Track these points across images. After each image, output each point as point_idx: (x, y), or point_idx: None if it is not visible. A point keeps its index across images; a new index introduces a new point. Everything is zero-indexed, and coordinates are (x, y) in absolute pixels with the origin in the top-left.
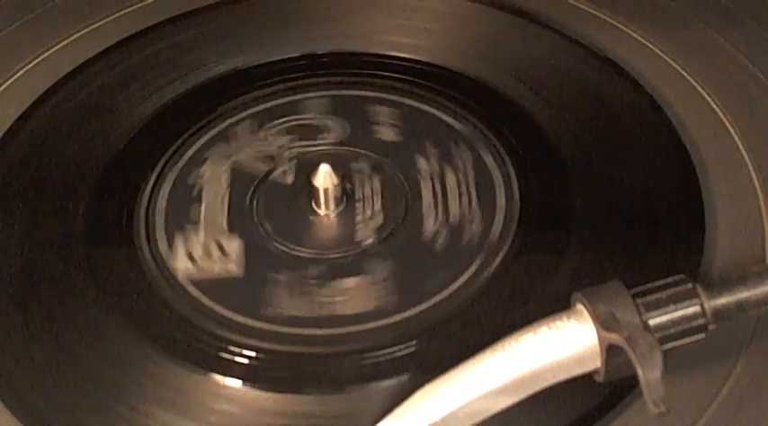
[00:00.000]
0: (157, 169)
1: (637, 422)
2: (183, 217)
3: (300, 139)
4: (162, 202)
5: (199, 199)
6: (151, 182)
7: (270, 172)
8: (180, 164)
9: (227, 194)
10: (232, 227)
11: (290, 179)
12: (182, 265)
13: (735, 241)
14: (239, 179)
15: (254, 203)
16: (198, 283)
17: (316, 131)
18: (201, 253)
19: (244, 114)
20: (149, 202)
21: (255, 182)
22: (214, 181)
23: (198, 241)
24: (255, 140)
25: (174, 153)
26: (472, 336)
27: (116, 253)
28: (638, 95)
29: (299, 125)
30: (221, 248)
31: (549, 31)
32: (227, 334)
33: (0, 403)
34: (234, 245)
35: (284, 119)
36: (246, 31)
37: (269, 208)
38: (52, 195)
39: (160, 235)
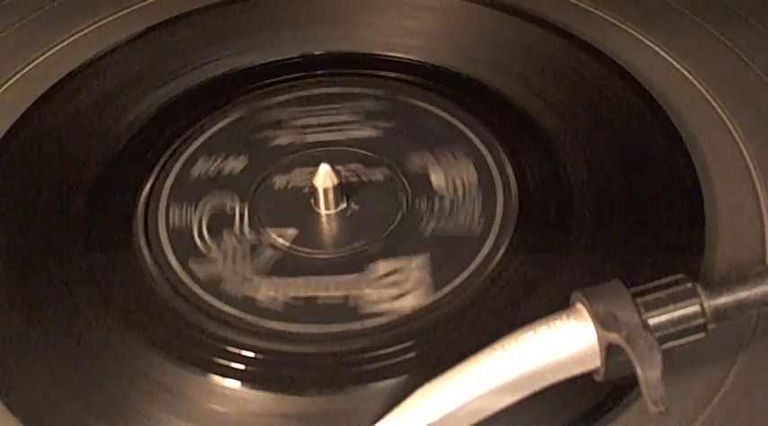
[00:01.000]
0: (157, 169)
1: (637, 422)
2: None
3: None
4: (162, 202)
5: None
6: (150, 182)
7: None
8: (179, 164)
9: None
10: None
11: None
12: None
13: (735, 241)
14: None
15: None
16: (198, 283)
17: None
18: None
19: (243, 114)
20: (148, 202)
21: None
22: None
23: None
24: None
25: (174, 153)
26: (472, 336)
27: (115, 254)
28: (638, 95)
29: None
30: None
31: (549, 31)
32: (226, 335)
33: (0, 403)
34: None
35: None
36: (246, 31)
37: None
38: (52, 195)
39: (160, 235)
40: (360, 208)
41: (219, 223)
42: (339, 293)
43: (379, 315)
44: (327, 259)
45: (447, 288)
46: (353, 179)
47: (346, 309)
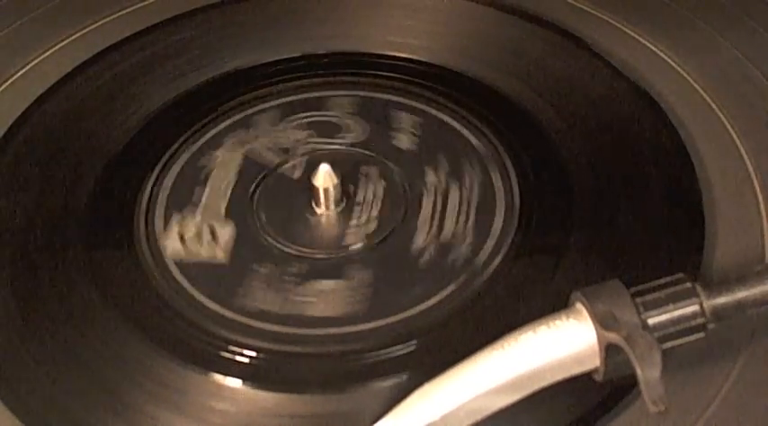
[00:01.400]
0: (157, 169)
1: (637, 422)
2: (183, 213)
3: (318, 136)
4: (162, 202)
5: (204, 184)
6: (151, 182)
7: (280, 164)
8: (179, 164)
9: (234, 181)
10: (229, 214)
11: (297, 174)
12: (171, 245)
13: (735, 241)
14: (249, 167)
15: (257, 193)
16: (198, 284)
17: (335, 130)
18: (193, 235)
19: (244, 115)
20: (149, 202)
21: (264, 173)
22: (224, 167)
23: (192, 222)
24: (255, 140)
25: (174, 153)
26: (472, 336)
27: (116, 253)
28: (638, 95)
29: (319, 121)
30: (213, 233)
31: (549, 32)
32: (227, 334)
33: (0, 403)
34: (226, 232)
35: (284, 118)
36: (246, 31)
37: (270, 199)
38: (52, 194)
39: (160, 234)
40: (358, 207)
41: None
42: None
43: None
44: (327, 259)
45: (448, 289)
46: (359, 182)
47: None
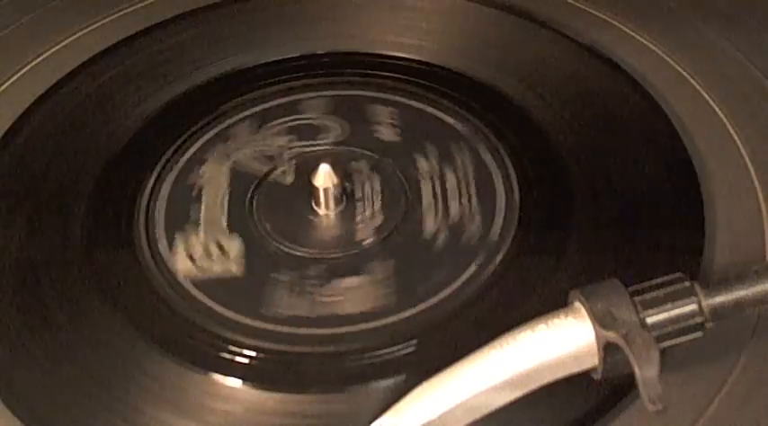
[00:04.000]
0: (157, 169)
1: (637, 422)
2: (182, 217)
3: (300, 139)
4: (162, 202)
5: (199, 198)
6: (151, 182)
7: (270, 171)
8: (180, 165)
9: (227, 194)
10: (232, 227)
11: (289, 179)
12: (182, 265)
13: (735, 241)
14: (239, 179)
15: (254, 203)
16: (198, 283)
17: (316, 131)
18: (201, 253)
19: (243, 114)
20: (149, 202)
21: (255, 182)
22: (214, 181)
23: (198, 241)
24: (255, 140)
25: (174, 153)
26: (472, 336)
27: (116, 254)
28: (638, 95)
29: (298, 125)
30: (221, 248)
31: (549, 31)
32: (227, 334)
33: (0, 403)
34: (234, 245)
35: (284, 119)
36: (246, 31)
37: (269, 208)
38: (52, 195)
39: (160, 235)
40: (359, 208)
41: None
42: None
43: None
44: (327, 259)
45: (448, 289)
46: (354, 179)
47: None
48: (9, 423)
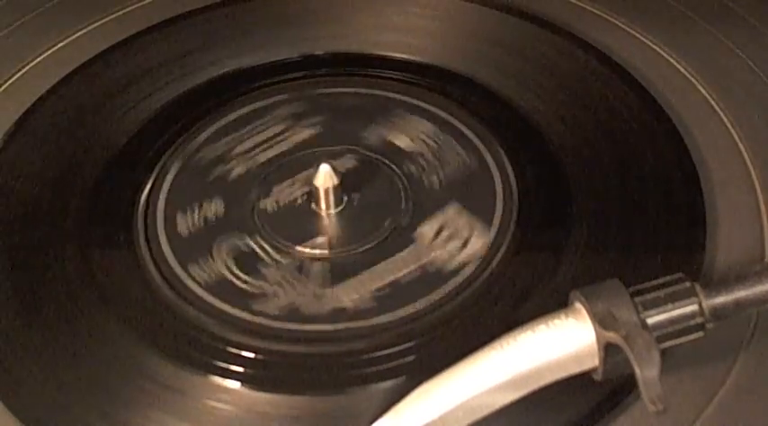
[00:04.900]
0: (157, 169)
1: (637, 422)
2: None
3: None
4: (161, 202)
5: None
6: (150, 182)
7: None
8: (179, 165)
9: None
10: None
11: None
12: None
13: (735, 241)
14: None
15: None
16: (197, 283)
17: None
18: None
19: (243, 114)
20: (148, 202)
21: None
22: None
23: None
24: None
25: (174, 153)
26: (472, 336)
27: (115, 254)
28: (637, 95)
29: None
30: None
31: (549, 32)
32: (226, 334)
33: (0, 403)
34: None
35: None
36: (246, 31)
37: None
38: (52, 195)
39: (159, 235)
40: (359, 208)
41: (248, 259)
42: (414, 267)
43: (380, 315)
44: (327, 259)
45: (447, 289)
46: (353, 179)
47: (431, 277)
48: (9, 423)
